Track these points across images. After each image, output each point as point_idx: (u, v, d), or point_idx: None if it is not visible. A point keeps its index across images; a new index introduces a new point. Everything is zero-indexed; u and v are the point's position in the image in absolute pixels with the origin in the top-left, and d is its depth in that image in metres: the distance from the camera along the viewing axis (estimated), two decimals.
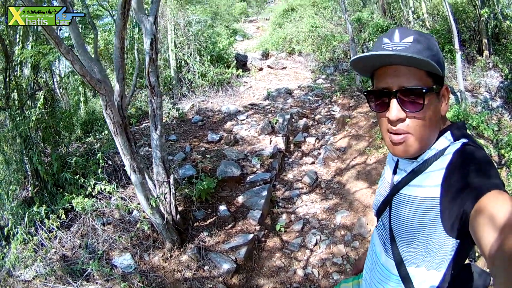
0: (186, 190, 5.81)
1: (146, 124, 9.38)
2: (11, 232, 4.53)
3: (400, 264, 1.36)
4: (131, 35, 11.05)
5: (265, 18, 24.08)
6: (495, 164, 6.01)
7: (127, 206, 5.13)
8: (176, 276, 4.53)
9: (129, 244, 4.85)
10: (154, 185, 4.89)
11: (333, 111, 10.25)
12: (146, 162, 5.56)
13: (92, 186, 4.77)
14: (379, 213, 1.56)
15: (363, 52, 10.41)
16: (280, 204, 6.51)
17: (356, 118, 9.00)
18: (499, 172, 5.73)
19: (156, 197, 4.62)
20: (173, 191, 5.01)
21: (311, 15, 16.68)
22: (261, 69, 15.22)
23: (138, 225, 4.93)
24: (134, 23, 10.18)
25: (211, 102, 11.31)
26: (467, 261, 1.35)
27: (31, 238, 4.50)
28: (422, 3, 12.24)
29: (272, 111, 10.19)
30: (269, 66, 15.36)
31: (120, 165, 6.12)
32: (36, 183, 5.91)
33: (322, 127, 9.53)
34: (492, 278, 0.97)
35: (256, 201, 6.04)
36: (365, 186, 6.48)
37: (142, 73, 8.75)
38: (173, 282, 4.44)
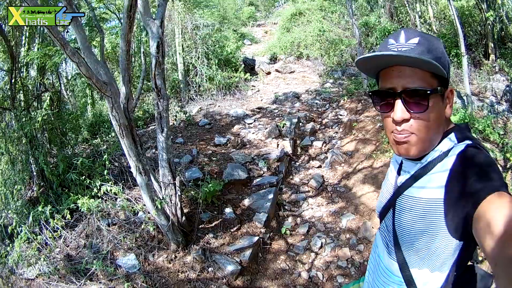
0: (192, 192, 5.82)
1: (154, 126, 9.39)
2: (15, 231, 4.55)
3: (403, 266, 1.36)
4: (139, 38, 11.11)
5: (273, 22, 24.17)
6: (500, 167, 5.98)
7: (132, 207, 5.13)
8: (180, 277, 4.52)
9: (134, 245, 4.85)
10: (160, 187, 4.89)
11: (340, 115, 10.23)
12: (152, 164, 5.59)
13: (98, 187, 4.78)
14: (382, 215, 1.55)
15: None
16: (286, 207, 6.50)
17: (363, 122, 8.97)
18: (505, 175, 5.71)
19: (161, 198, 4.63)
20: (179, 193, 5.01)
21: (319, 19, 16.73)
22: (269, 73, 15.26)
23: (143, 226, 4.93)
24: (142, 26, 10.23)
25: (219, 106, 11.34)
26: (470, 263, 1.34)
27: (35, 237, 4.50)
28: (429, 7, 12.22)
29: (280, 115, 10.20)
30: (277, 70, 15.40)
31: (126, 166, 6.13)
32: (42, 183, 5.95)
33: (329, 131, 9.52)
34: (494, 280, 0.97)
35: (262, 204, 6.03)
36: (371, 190, 6.45)
37: (149, 76, 8.80)
38: (176, 283, 4.43)
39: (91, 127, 9.64)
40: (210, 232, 5.34)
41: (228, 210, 5.82)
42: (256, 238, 5.25)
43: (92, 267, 4.35)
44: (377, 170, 6.91)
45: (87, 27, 9.26)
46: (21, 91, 6.29)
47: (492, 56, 9.90)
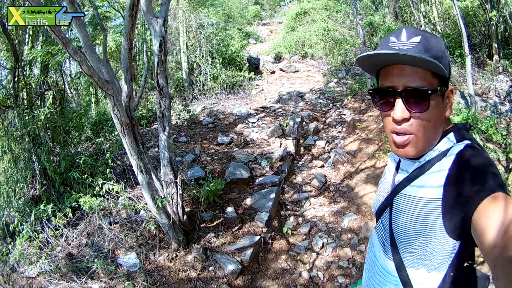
0: (194, 191, 5.82)
1: (157, 125, 9.42)
2: (17, 229, 4.57)
3: (399, 266, 1.35)
4: (144, 37, 11.11)
5: (279, 21, 24.11)
6: (503, 168, 5.94)
7: (134, 206, 5.14)
8: (180, 276, 4.53)
9: (135, 244, 4.87)
10: (162, 186, 4.90)
11: (344, 114, 10.21)
12: (155, 163, 5.58)
13: (100, 186, 4.80)
14: (379, 214, 1.54)
15: None
16: (288, 206, 6.50)
17: (367, 121, 8.95)
18: (507, 176, 5.68)
19: (162, 197, 4.63)
20: (180, 192, 5.02)
21: (323, 19, 16.67)
22: (273, 72, 15.24)
23: (144, 225, 4.94)
24: (147, 25, 10.25)
25: (223, 105, 11.34)
26: (470, 265, 1.34)
27: (37, 236, 4.53)
28: (433, 7, 12.17)
29: (283, 114, 10.18)
30: (281, 69, 15.38)
31: (129, 165, 6.13)
32: (44, 181, 5.96)
33: (333, 131, 9.50)
34: (493, 281, 0.97)
35: (264, 204, 6.03)
36: (373, 189, 6.43)
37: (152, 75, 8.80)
38: (177, 281, 4.45)
39: (94, 125, 9.64)
40: (212, 231, 5.34)
41: (229, 209, 5.82)
42: (257, 238, 5.25)
43: (93, 265, 4.37)
44: (379, 170, 6.89)
45: (91, 26, 9.26)
46: (24, 90, 6.31)
47: (495, 57, 9.86)
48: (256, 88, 13.28)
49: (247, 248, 5.06)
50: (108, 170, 5.04)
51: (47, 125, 6.33)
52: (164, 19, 4.52)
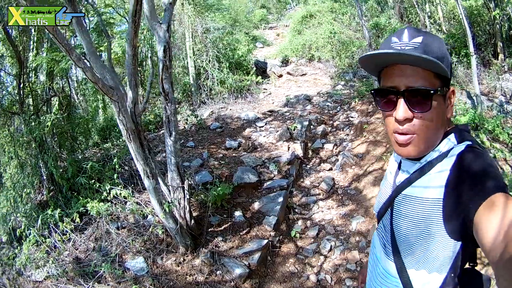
0: (201, 195, 5.82)
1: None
2: (24, 234, 4.59)
3: (400, 267, 1.34)
4: (149, 42, 11.16)
5: (285, 25, 24.08)
6: (510, 168, 5.89)
7: (142, 211, 5.15)
8: (188, 280, 4.54)
9: (143, 248, 4.88)
10: (169, 190, 4.92)
11: (351, 117, 10.19)
12: (162, 168, 5.59)
13: (108, 191, 4.81)
14: (380, 215, 1.53)
15: None
16: (296, 210, 6.48)
17: (374, 124, 8.91)
18: None
19: (169, 202, 4.64)
20: (188, 197, 5.03)
21: (329, 21, 16.69)
22: (280, 75, 15.24)
23: (151, 229, 4.95)
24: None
25: (230, 109, 11.34)
26: (472, 267, 1.34)
27: (44, 240, 4.55)
28: (438, 7, 12.15)
29: (291, 118, 10.17)
30: (288, 73, 15.38)
31: (136, 170, 6.15)
32: (51, 187, 6.00)
33: (340, 133, 9.47)
34: (495, 282, 0.97)
35: (272, 207, 6.02)
36: None
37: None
38: (184, 285, 4.45)
39: (102, 131, 9.70)
40: (219, 235, 5.34)
41: (237, 213, 5.82)
42: (265, 241, 5.24)
43: (101, 269, 4.38)
44: None
45: (95, 33, 9.30)
46: (30, 96, 6.36)
47: (501, 56, 9.82)
48: (264, 92, 13.28)
49: (255, 252, 5.04)
50: (115, 176, 5.05)
51: (54, 131, 6.38)
52: (168, 25, 4.54)
